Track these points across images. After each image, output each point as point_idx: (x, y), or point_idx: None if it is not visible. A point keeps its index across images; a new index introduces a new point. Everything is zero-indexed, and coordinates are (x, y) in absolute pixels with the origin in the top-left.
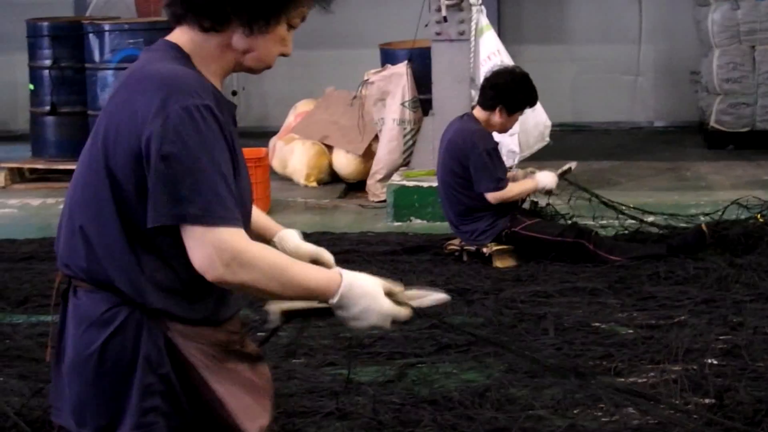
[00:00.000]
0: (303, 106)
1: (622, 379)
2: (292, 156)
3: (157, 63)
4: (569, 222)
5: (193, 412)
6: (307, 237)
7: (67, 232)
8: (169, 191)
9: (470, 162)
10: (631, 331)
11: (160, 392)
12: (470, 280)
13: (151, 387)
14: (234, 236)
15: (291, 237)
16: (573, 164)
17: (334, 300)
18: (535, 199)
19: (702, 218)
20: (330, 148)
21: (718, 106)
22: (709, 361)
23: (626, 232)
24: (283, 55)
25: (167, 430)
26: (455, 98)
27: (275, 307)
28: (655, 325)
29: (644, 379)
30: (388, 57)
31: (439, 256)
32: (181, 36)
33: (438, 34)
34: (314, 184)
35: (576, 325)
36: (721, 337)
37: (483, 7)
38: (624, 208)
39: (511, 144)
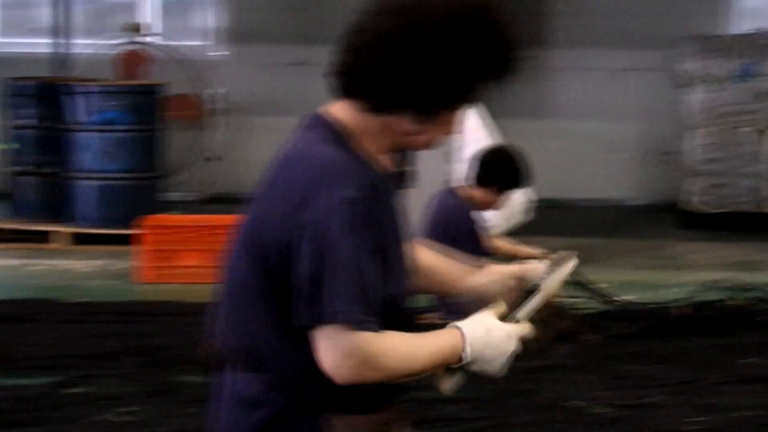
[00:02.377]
0: None
1: None
2: None
3: (310, 145)
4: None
5: None
6: None
7: (223, 308)
8: (309, 291)
9: (455, 239)
10: (607, 410)
11: None
12: None
13: None
14: (364, 338)
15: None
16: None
17: (466, 355)
18: None
19: (681, 298)
20: None
21: (698, 186)
22: None
23: (606, 310)
24: (448, 135)
25: None
26: (434, 172)
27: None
28: (631, 405)
29: None
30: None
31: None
32: (344, 110)
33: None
34: None
35: (552, 402)
36: (694, 419)
37: None
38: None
39: (488, 219)
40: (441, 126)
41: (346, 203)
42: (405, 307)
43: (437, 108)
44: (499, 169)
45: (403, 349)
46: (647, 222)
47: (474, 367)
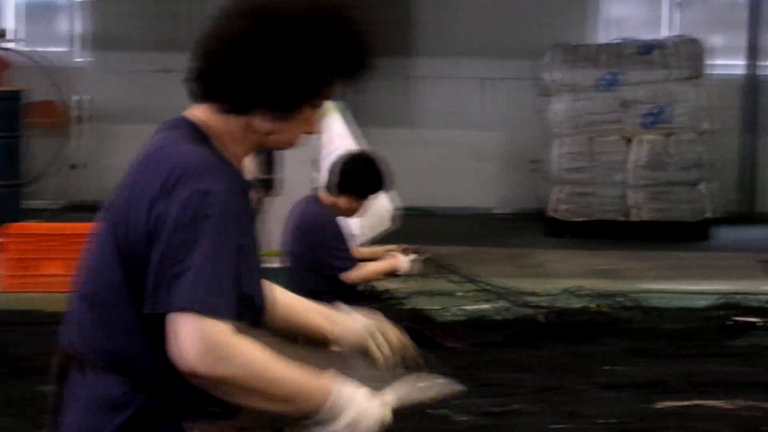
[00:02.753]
0: None
1: None
2: None
3: (175, 144)
4: (408, 307)
5: None
6: None
7: (81, 312)
8: (163, 277)
9: (319, 246)
10: (467, 417)
11: None
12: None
13: None
14: (219, 328)
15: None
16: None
17: (321, 412)
18: (372, 285)
19: (545, 306)
20: None
21: (558, 194)
22: None
23: (465, 318)
24: (308, 133)
25: None
26: (300, 180)
27: None
28: (492, 413)
29: None
30: None
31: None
32: (202, 114)
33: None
34: None
35: (415, 410)
36: (557, 426)
37: None
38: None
39: (352, 227)
40: (300, 125)
41: (206, 195)
42: (260, 308)
43: (291, 106)
44: (357, 176)
45: (258, 354)
46: (513, 230)
47: (324, 428)
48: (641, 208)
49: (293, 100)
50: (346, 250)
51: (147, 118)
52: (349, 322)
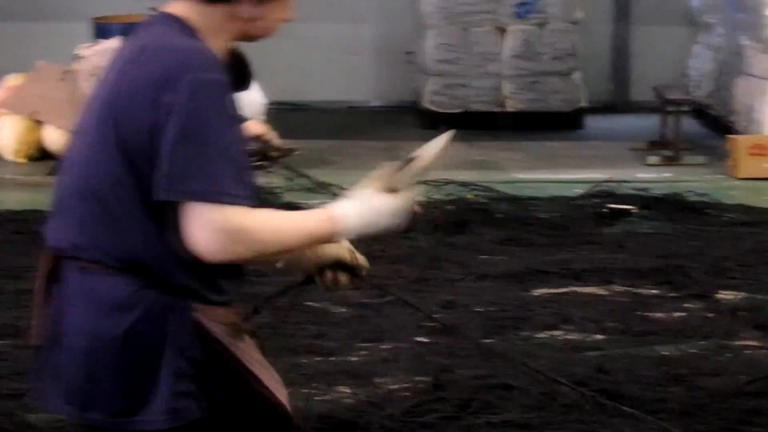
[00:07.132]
0: (12, 80)
1: (334, 358)
2: (1, 131)
3: (166, 37)
4: (282, 202)
5: (224, 392)
6: (17, 214)
7: (76, 211)
8: (178, 166)
9: None
10: (344, 309)
11: (190, 375)
12: None
13: (181, 371)
14: (240, 214)
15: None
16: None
17: (345, 232)
18: None
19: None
20: (40, 123)
21: (432, 86)
22: (422, 339)
23: None
24: (287, 20)
25: (199, 412)
26: None
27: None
28: (368, 304)
29: (356, 358)
30: (102, 31)
31: None
32: (183, 8)
33: (153, 9)
34: (24, 160)
35: (288, 304)
36: (434, 316)
37: None
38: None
39: None
40: (280, 10)
41: (211, 84)
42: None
43: None
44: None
45: (274, 222)
46: (388, 123)
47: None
48: (515, 98)
49: None
50: None
51: None
52: None
